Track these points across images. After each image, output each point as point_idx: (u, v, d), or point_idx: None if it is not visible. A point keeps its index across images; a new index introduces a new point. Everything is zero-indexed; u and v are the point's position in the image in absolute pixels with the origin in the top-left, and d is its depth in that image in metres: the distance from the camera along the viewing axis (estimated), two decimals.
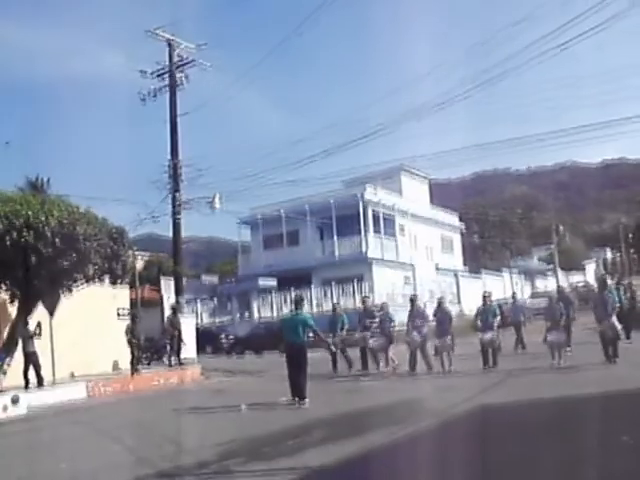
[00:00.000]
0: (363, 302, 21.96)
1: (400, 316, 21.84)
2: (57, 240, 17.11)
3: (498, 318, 18.99)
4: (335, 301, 36.44)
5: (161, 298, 39.81)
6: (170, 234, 29.33)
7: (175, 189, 25.55)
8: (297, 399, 13.39)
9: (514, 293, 26.39)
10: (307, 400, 13.26)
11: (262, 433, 10.92)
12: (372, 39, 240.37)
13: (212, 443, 10.08)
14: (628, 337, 19.74)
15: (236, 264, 56.39)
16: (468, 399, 12.55)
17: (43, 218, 17.07)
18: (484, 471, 7.28)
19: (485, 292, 20.19)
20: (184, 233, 32.50)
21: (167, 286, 42.24)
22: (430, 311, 20.06)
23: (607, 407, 10.10)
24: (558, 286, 23.74)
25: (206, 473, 8.32)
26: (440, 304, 19.62)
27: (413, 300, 20.14)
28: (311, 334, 14.46)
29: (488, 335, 18.06)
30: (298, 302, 15.13)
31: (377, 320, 20.01)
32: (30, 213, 17.23)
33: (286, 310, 37.90)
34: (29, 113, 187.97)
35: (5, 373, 18.95)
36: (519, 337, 22.21)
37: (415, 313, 19.30)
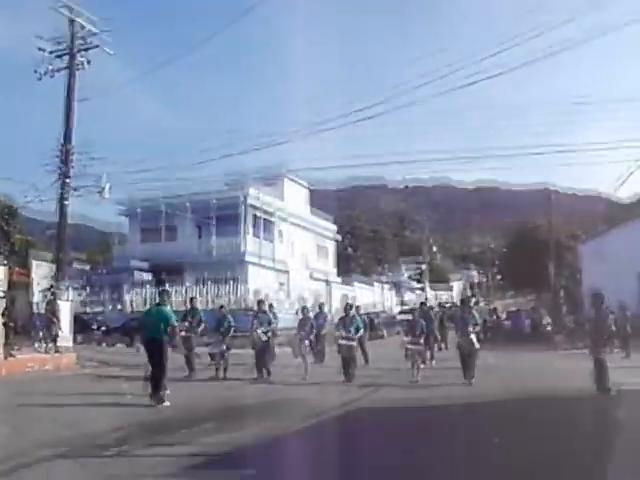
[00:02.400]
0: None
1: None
2: None
3: (361, 330, 18.72)
4: (208, 301, 36.96)
5: (30, 281, 38.82)
6: (43, 217, 28.65)
7: (65, 175, 25.09)
8: (153, 397, 12.77)
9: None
10: (167, 401, 12.72)
11: (151, 420, 11.27)
12: (285, 50, 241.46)
13: (106, 428, 10.28)
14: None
15: (107, 253, 55.48)
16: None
17: None
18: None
19: (348, 302, 20.26)
20: (50, 218, 31.85)
21: (38, 269, 41.22)
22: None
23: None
24: (421, 303, 24.48)
25: (108, 455, 8.55)
26: (303, 310, 20.10)
27: (260, 302, 19.90)
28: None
29: (348, 342, 17.68)
30: (162, 295, 14.48)
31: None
32: None
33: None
34: None
35: None
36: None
37: (260, 317, 18.82)
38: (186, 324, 18.57)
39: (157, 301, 14.72)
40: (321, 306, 23.96)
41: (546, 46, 21.10)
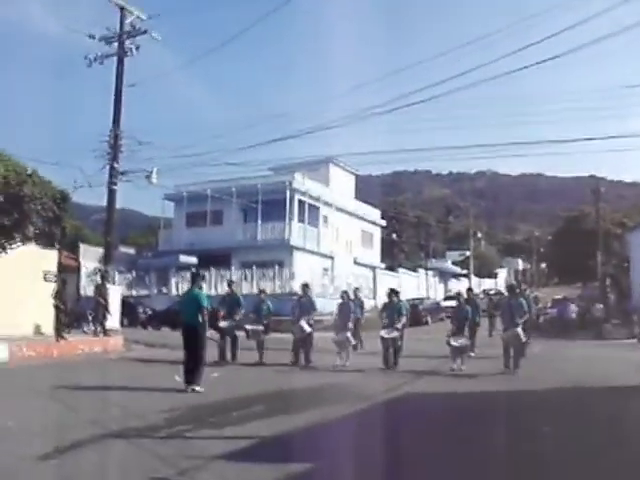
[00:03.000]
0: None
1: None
2: (1, 198, 16.95)
3: (404, 318, 18.25)
4: (254, 285, 37.09)
5: (78, 265, 39.45)
6: (90, 202, 28.86)
7: (114, 159, 25.35)
8: (187, 384, 12.47)
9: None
10: (198, 388, 12.37)
11: (202, 403, 11.33)
12: (324, 41, 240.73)
13: (156, 410, 10.38)
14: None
15: (152, 238, 55.98)
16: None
17: None
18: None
19: (390, 288, 19.40)
20: (99, 203, 32.23)
21: (85, 253, 41.84)
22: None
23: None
24: (468, 289, 23.40)
25: (159, 437, 8.62)
26: (342, 295, 19.31)
27: (305, 286, 19.40)
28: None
29: (391, 334, 17.19)
30: (195, 278, 13.82)
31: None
32: None
33: (206, 288, 38.10)
34: None
35: None
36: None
37: (303, 303, 18.56)
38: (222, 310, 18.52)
39: (190, 286, 14.18)
40: (356, 292, 23.33)
41: (594, 31, 20.56)
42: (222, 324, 18.09)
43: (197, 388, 12.36)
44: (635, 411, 11.17)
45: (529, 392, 13.42)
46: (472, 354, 19.16)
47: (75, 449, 7.74)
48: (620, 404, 11.79)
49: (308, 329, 17.78)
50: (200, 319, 12.76)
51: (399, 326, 17.61)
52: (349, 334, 17.84)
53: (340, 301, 19.09)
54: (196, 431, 9.05)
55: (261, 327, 18.41)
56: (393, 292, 18.43)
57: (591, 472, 7.18)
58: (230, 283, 21.04)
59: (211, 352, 15.38)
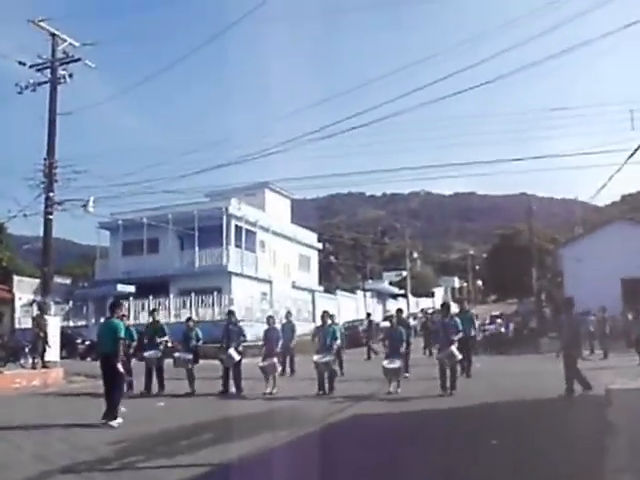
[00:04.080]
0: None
1: (256, 331, 22.16)
2: None
3: (338, 341, 17.74)
4: (193, 312, 36.81)
5: (12, 297, 38.69)
6: (21, 232, 28.38)
7: (49, 189, 25.02)
8: (104, 419, 11.91)
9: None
10: (117, 421, 11.89)
11: (149, 433, 11.26)
12: (261, 68, 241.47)
13: (104, 442, 10.27)
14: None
15: (87, 267, 55.24)
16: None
17: None
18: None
19: (324, 311, 18.63)
20: (30, 233, 31.82)
21: (19, 285, 41.09)
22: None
23: None
24: (397, 310, 22.41)
25: (111, 469, 8.57)
26: (269, 320, 18.76)
27: (230, 313, 19.05)
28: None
29: (324, 358, 16.49)
30: (113, 307, 13.07)
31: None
32: None
33: (144, 317, 37.73)
34: None
35: None
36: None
37: (231, 330, 17.87)
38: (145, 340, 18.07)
39: (107, 314, 13.36)
40: (287, 316, 23.09)
41: (519, 58, 21.22)
42: (146, 354, 17.73)
43: (111, 423, 11.82)
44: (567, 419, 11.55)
45: (469, 407, 13.70)
46: (407, 375, 18.92)
47: None
48: (557, 414, 12.27)
49: (237, 357, 17.24)
50: (116, 349, 12.20)
51: (333, 350, 17.11)
52: (275, 360, 17.33)
53: (266, 327, 18.49)
54: (148, 461, 9.01)
55: (189, 356, 17.83)
56: (326, 315, 17.83)
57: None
58: (153, 311, 20.47)
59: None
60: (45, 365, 23.17)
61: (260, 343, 18.56)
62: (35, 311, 25.77)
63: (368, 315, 36.35)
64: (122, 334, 12.48)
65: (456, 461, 8.52)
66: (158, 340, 17.96)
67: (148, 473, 8.31)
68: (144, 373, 17.73)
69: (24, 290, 38.64)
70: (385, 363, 16.42)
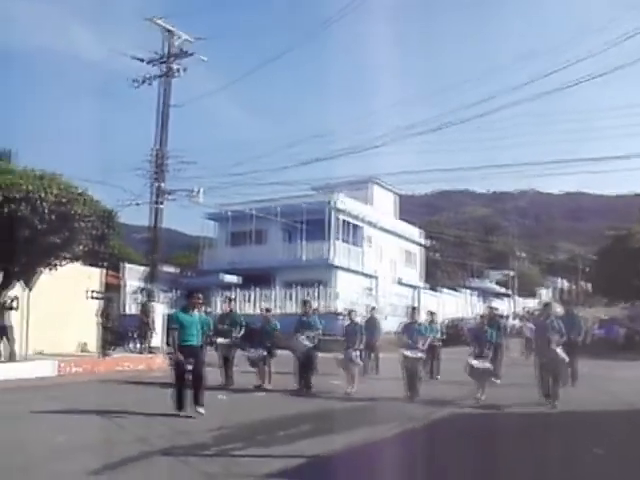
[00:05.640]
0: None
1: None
2: (53, 217, 17.23)
3: (429, 339, 16.32)
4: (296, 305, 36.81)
5: (122, 284, 39.77)
6: (131, 221, 29.05)
7: (160, 179, 25.64)
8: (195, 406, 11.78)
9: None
10: (201, 409, 11.71)
11: (249, 421, 11.35)
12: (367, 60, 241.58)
13: (203, 428, 10.37)
14: None
15: (195, 257, 56.28)
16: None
17: (43, 194, 17.12)
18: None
19: (412, 306, 17.97)
20: (140, 222, 32.60)
21: (129, 272, 42.20)
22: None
23: None
24: (489, 307, 21.04)
25: (207, 454, 8.63)
26: (350, 314, 17.57)
27: (305, 303, 17.85)
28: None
29: (416, 354, 15.07)
30: (189, 297, 12.90)
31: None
32: (30, 187, 17.25)
33: (249, 307, 38.23)
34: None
35: None
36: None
37: (304, 322, 16.54)
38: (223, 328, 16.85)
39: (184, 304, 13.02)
40: (372, 311, 22.05)
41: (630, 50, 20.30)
42: (219, 341, 16.69)
43: (200, 409, 11.74)
44: None
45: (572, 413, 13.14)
46: (498, 381, 17.26)
47: (123, 466, 7.81)
48: None
49: (308, 343, 15.99)
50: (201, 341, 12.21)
51: (422, 347, 15.44)
52: (354, 354, 16.03)
53: (347, 322, 17.48)
54: (244, 449, 9.01)
55: (264, 352, 16.49)
56: (414, 309, 16.80)
57: None
58: (230, 300, 19.91)
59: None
60: (151, 350, 23.76)
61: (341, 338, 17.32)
62: (142, 298, 26.34)
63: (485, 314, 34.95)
64: (173, 325, 12.26)
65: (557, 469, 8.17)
66: (234, 331, 16.99)
67: (241, 461, 8.29)
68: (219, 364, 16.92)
69: (133, 277, 39.60)
70: (473, 362, 14.67)
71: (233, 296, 27.65)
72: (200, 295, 12.69)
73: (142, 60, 26.75)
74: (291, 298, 39.53)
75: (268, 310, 18.32)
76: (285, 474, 7.73)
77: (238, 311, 34.08)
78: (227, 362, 16.89)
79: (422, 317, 19.27)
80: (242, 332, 17.14)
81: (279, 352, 16.81)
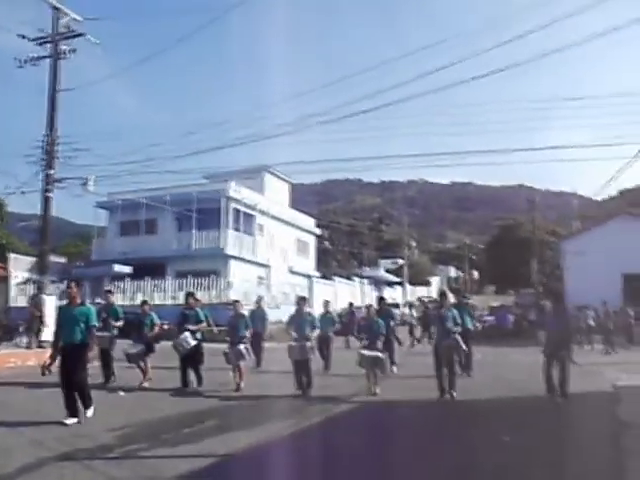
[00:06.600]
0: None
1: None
2: None
3: (316, 330, 15.67)
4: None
5: (8, 275, 38.38)
6: (17, 209, 27.99)
7: (49, 166, 24.64)
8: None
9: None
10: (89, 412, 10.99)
11: (152, 419, 11.08)
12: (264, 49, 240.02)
13: (106, 428, 10.01)
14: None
15: (84, 247, 54.86)
16: None
17: None
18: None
19: (299, 295, 17.27)
20: (26, 210, 31.45)
21: (15, 262, 40.71)
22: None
23: None
24: (380, 297, 20.35)
25: (112, 457, 8.31)
26: (234, 305, 16.88)
27: (189, 295, 16.71)
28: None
29: (300, 344, 14.60)
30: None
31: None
32: None
33: (140, 298, 37.44)
34: None
35: None
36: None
37: (187, 315, 15.70)
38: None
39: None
40: (259, 302, 21.53)
41: (531, 47, 20.91)
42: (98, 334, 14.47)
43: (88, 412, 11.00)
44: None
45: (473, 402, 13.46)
46: (395, 369, 17.77)
47: (22, 475, 7.37)
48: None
49: (191, 342, 15.13)
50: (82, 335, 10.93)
51: (308, 336, 14.93)
52: (243, 348, 15.51)
53: (232, 314, 16.64)
54: (149, 450, 8.75)
55: (141, 347, 15.77)
56: (302, 299, 15.85)
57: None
58: (108, 292, 18.09)
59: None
60: (41, 345, 22.93)
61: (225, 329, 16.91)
62: (31, 290, 25.40)
63: (350, 305, 35.35)
64: (94, 322, 11.25)
65: (468, 459, 8.27)
66: (113, 324, 16.13)
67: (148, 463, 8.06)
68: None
69: (20, 268, 38.27)
70: (364, 352, 14.45)
71: (112, 288, 26.61)
72: (73, 285, 11.38)
73: (27, 38, 25.46)
74: (183, 288, 38.95)
75: (145, 303, 17.16)
76: (194, 475, 7.54)
77: (127, 303, 33.69)
78: (108, 357, 16.04)
79: (318, 306, 19.14)
80: (120, 324, 16.35)
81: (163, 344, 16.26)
